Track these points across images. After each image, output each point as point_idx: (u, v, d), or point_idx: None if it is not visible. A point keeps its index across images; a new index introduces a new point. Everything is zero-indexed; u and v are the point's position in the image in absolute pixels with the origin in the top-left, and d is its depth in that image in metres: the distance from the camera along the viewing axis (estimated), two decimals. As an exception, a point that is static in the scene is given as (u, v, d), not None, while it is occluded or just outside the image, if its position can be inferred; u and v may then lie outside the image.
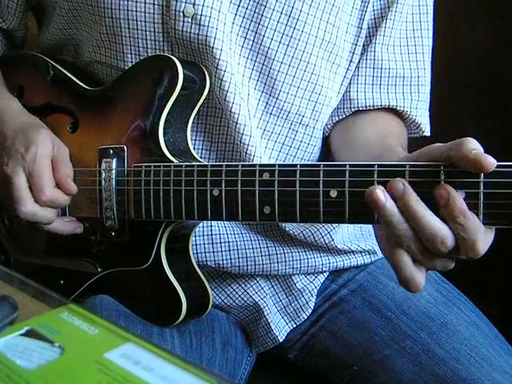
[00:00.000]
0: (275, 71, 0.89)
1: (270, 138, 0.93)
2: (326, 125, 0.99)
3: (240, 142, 0.88)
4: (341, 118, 0.98)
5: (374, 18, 0.95)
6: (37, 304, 0.59)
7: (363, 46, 0.96)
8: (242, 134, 0.88)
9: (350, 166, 0.66)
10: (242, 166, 0.74)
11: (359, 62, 0.96)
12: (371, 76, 0.96)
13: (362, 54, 0.96)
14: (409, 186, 0.62)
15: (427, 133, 1.02)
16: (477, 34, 1.58)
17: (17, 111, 0.93)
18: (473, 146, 0.59)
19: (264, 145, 0.92)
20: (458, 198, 0.60)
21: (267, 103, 0.90)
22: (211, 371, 0.48)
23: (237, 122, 0.87)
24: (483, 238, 0.61)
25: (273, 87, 0.89)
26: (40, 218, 0.84)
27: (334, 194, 0.67)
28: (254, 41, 0.87)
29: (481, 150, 0.59)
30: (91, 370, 0.47)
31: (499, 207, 0.60)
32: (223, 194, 0.75)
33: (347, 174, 0.66)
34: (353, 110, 0.97)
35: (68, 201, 0.86)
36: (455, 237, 0.61)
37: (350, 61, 0.95)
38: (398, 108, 0.98)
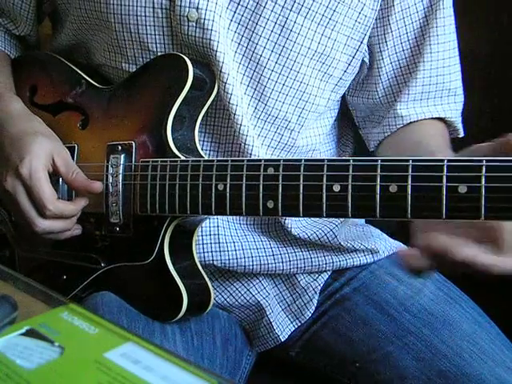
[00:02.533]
0: (265, 78, 0.89)
1: (258, 140, 0.92)
2: (372, 141, 1.02)
3: (244, 143, 0.89)
4: (391, 133, 1.00)
5: (406, 33, 0.97)
6: (37, 303, 0.59)
7: (398, 60, 0.98)
8: (247, 135, 0.88)
9: (354, 160, 0.67)
10: (248, 160, 0.75)
11: (410, 80, 0.98)
12: (421, 92, 0.99)
13: (411, 72, 0.98)
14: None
15: (461, 134, 1.04)
16: (480, 30, 1.56)
17: (16, 115, 0.93)
18: None
19: None
20: (457, 246, 0.62)
21: (256, 108, 0.91)
22: (211, 371, 0.48)
23: (241, 124, 0.88)
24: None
25: (262, 93, 0.90)
26: (57, 229, 0.86)
27: (337, 188, 0.67)
28: (247, 47, 0.88)
29: None
30: (91, 369, 0.47)
31: (501, 201, 0.60)
32: (228, 188, 0.75)
33: (350, 168, 0.67)
34: (404, 124, 0.99)
35: (76, 211, 0.86)
36: None
37: (345, 71, 0.95)
38: (447, 119, 1.01)
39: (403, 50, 0.98)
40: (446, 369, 0.88)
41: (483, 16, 1.45)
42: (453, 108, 1.01)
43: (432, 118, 1.00)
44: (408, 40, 0.97)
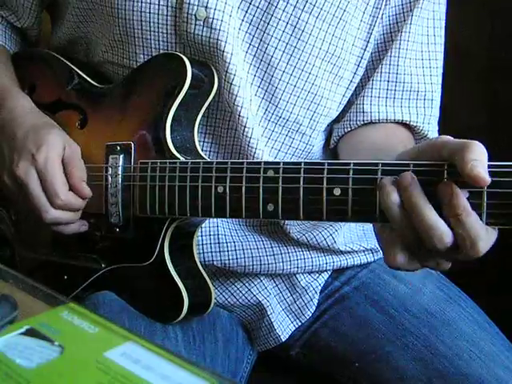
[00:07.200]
0: (277, 79, 0.89)
1: (267, 144, 0.92)
2: (334, 136, 0.99)
3: (248, 145, 0.88)
4: (352, 128, 0.97)
5: (390, 32, 0.95)
6: (37, 303, 0.58)
7: (377, 59, 0.96)
8: (250, 137, 0.88)
9: (354, 164, 0.67)
10: (247, 163, 0.74)
11: (374, 74, 0.96)
12: (385, 89, 0.96)
13: (374, 67, 0.96)
14: (417, 181, 0.62)
15: None
16: (478, 32, 1.56)
17: (28, 110, 0.93)
18: (474, 155, 0.58)
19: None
20: (461, 196, 0.60)
21: (266, 110, 0.90)
22: (212, 370, 0.48)
23: (245, 126, 0.87)
24: (484, 238, 0.61)
25: (273, 95, 0.89)
26: (64, 220, 0.86)
27: (337, 191, 0.67)
28: (258, 48, 0.87)
29: (483, 158, 0.59)
30: (91, 369, 0.47)
31: (503, 207, 0.60)
32: (227, 190, 0.75)
33: (351, 172, 0.66)
34: (365, 122, 0.96)
35: (83, 204, 0.86)
36: (454, 235, 0.61)
37: (355, 73, 0.94)
38: (411, 123, 0.97)
39: (375, 44, 0.95)
40: (445, 369, 0.88)
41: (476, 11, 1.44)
42: (420, 112, 0.97)
43: (397, 123, 0.97)
44: (384, 33, 0.95)
